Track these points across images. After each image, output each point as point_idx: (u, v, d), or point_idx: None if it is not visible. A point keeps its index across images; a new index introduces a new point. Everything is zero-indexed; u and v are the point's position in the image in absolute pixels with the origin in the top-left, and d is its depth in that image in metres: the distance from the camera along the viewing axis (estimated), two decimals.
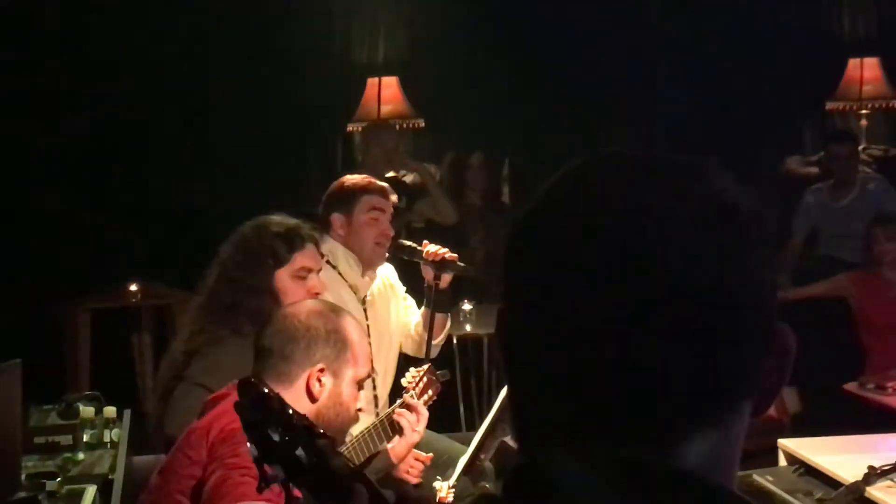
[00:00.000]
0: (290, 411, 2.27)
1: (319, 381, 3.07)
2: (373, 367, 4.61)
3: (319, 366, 3.07)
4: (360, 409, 3.24)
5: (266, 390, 2.33)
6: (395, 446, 3.89)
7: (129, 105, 7.54)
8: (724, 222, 0.98)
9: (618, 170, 1.03)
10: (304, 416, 2.31)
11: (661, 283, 0.94)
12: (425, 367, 4.44)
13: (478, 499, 0.98)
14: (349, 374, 3.11)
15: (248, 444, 2.29)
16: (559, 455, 0.94)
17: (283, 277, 3.89)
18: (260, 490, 2.32)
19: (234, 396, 3.00)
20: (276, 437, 2.24)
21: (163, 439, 3.80)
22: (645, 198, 0.98)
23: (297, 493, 2.25)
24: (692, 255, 0.95)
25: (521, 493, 0.93)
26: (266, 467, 2.24)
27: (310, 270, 3.93)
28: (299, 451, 2.22)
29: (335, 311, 3.22)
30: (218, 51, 7.64)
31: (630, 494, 0.90)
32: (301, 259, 3.93)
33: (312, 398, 3.06)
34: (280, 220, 3.98)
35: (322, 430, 2.28)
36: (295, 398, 3.02)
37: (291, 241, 3.92)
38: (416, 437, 3.93)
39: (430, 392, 4.37)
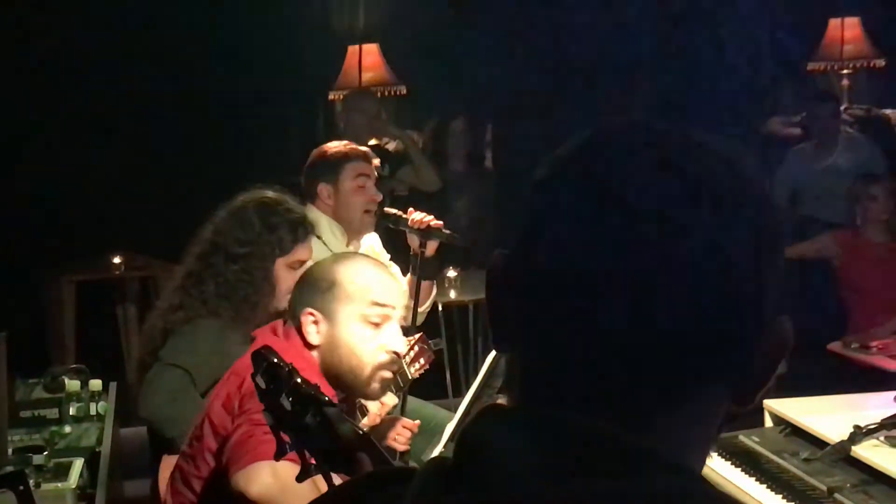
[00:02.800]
0: (299, 379, 2.29)
1: (315, 326, 3.05)
2: None
3: (307, 311, 3.05)
4: (393, 352, 3.11)
5: (275, 359, 2.34)
6: (366, 421, 3.89)
7: (109, 76, 7.50)
8: (749, 208, 0.98)
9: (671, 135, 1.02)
10: (314, 384, 2.33)
11: (676, 253, 0.94)
12: (417, 336, 4.45)
13: (428, 462, 0.98)
14: (344, 312, 3.05)
15: (264, 412, 2.31)
16: (510, 417, 0.95)
17: (279, 266, 3.90)
18: (277, 457, 2.35)
19: (269, 340, 3.02)
20: (287, 406, 2.26)
21: (139, 417, 3.81)
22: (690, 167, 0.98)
23: (311, 460, 2.27)
24: (717, 235, 0.95)
25: (459, 453, 0.94)
26: (282, 435, 2.27)
27: (303, 263, 3.94)
28: (308, 419, 2.24)
29: (335, 258, 3.23)
30: (197, 21, 7.60)
31: (553, 457, 0.90)
32: (300, 251, 3.94)
33: (308, 344, 3.05)
34: (284, 203, 3.97)
35: (328, 399, 2.29)
36: (297, 351, 3.01)
37: (296, 233, 3.93)
38: (383, 409, 3.94)
39: (421, 360, 4.38)
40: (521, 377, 1.00)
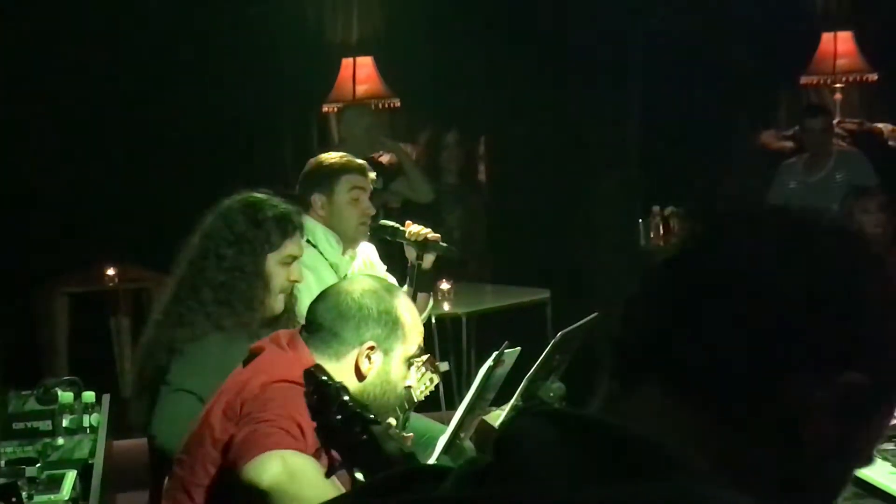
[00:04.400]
0: (347, 398, 2.32)
1: (369, 358, 3.11)
2: None
3: (369, 344, 3.10)
4: (408, 387, 3.28)
5: (325, 378, 2.37)
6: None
7: (102, 86, 7.50)
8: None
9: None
10: (363, 403, 2.36)
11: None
12: (424, 357, 4.45)
13: (465, 461, 1.01)
14: (399, 352, 3.14)
15: (315, 430, 2.36)
16: (548, 420, 0.97)
17: (271, 262, 3.89)
18: (327, 476, 2.39)
19: (269, 350, 3.04)
20: (336, 423, 2.29)
21: (151, 445, 3.78)
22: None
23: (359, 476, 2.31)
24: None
25: (496, 452, 0.96)
26: (332, 453, 2.32)
27: (294, 258, 3.94)
28: (356, 437, 2.27)
29: (389, 290, 3.25)
30: (192, 32, 7.60)
31: (586, 460, 0.92)
32: (290, 246, 3.93)
33: (360, 376, 3.10)
34: (270, 201, 3.96)
35: (374, 416, 2.32)
36: (342, 375, 3.03)
37: (284, 228, 3.91)
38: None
39: (427, 383, 4.38)
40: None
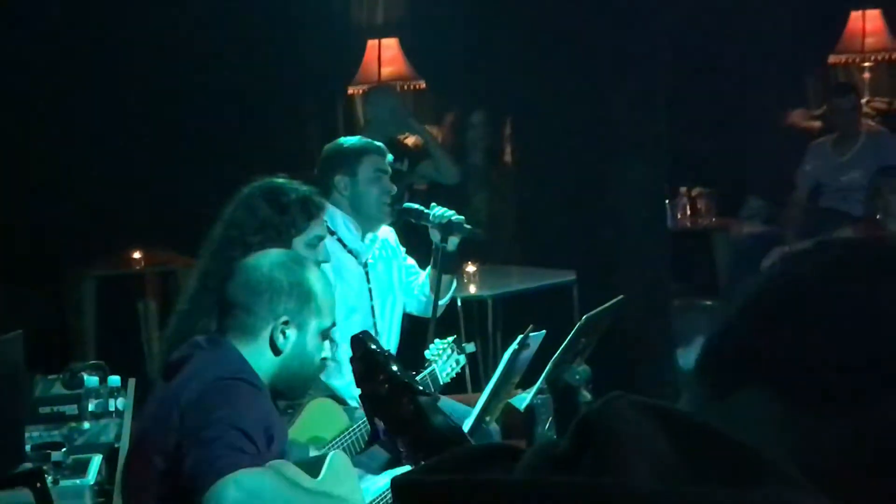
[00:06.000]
0: (395, 367, 2.30)
1: (283, 333, 3.09)
2: (376, 330, 4.63)
3: (283, 318, 3.09)
4: (324, 359, 3.24)
5: (373, 346, 2.36)
6: None
7: (129, 71, 7.51)
8: None
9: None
10: (410, 372, 2.35)
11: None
12: (451, 339, 4.44)
13: (539, 444, 0.99)
14: (313, 325, 3.13)
15: (360, 397, 2.35)
16: (641, 410, 0.96)
17: (298, 245, 3.88)
18: (370, 444, 2.39)
19: (198, 358, 3.03)
20: (382, 394, 2.28)
21: None
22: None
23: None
24: None
25: (578, 437, 0.95)
26: (376, 421, 2.31)
27: (321, 238, 3.94)
28: (402, 408, 2.26)
29: (298, 261, 3.24)
30: (217, 15, 7.60)
31: (677, 458, 0.91)
32: (315, 227, 3.93)
33: (277, 351, 3.10)
34: (290, 184, 3.97)
35: (422, 388, 2.31)
36: (259, 351, 3.07)
37: (309, 210, 3.92)
38: None
39: (453, 364, 4.37)
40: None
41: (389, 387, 2.30)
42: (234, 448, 2.75)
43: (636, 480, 0.89)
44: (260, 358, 3.08)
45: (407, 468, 2.31)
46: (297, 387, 3.22)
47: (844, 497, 0.97)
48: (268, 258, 3.22)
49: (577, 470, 0.91)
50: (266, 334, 3.09)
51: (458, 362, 4.42)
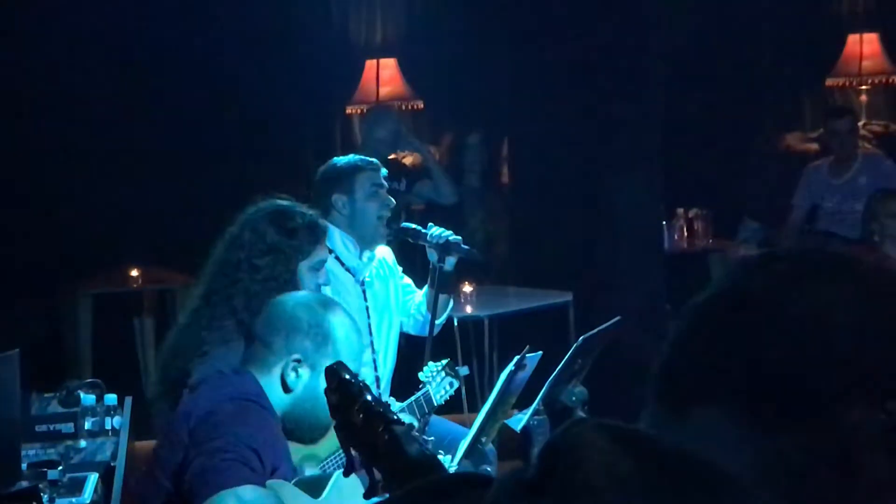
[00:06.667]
0: (369, 397, 2.31)
1: (295, 371, 3.09)
2: (373, 348, 4.63)
3: (295, 356, 3.09)
4: None
5: (347, 376, 2.36)
6: None
7: (128, 87, 7.52)
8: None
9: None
10: (385, 402, 2.35)
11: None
12: (445, 362, 4.45)
13: (510, 471, 1.00)
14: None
15: (335, 427, 2.33)
16: (604, 432, 0.97)
17: (302, 269, 3.92)
18: (346, 473, 2.39)
19: (215, 380, 3.05)
20: (358, 422, 2.29)
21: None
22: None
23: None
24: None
25: (544, 462, 0.95)
26: (352, 452, 2.33)
27: (323, 262, 3.98)
28: (377, 437, 2.26)
29: (325, 304, 3.23)
30: (215, 34, 7.61)
31: (642, 478, 0.91)
32: (319, 251, 3.97)
33: (286, 388, 3.09)
34: (296, 208, 4.00)
35: (397, 416, 2.31)
36: (272, 386, 3.07)
37: (315, 234, 3.96)
38: None
39: (446, 388, 4.38)
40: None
41: (364, 416, 2.30)
42: (241, 462, 2.77)
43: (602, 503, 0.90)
44: (272, 393, 3.07)
45: (385, 497, 2.32)
46: (306, 429, 3.16)
47: None
48: (295, 297, 3.25)
49: (544, 496, 0.92)
50: (278, 370, 3.09)
51: (451, 385, 4.42)
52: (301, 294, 3.33)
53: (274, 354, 3.10)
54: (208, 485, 2.75)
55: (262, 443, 2.83)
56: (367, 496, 2.34)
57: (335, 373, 2.40)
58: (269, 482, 2.82)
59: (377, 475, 2.30)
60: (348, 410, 2.33)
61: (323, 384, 3.06)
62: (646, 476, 0.91)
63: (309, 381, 3.09)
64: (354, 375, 2.42)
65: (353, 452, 2.36)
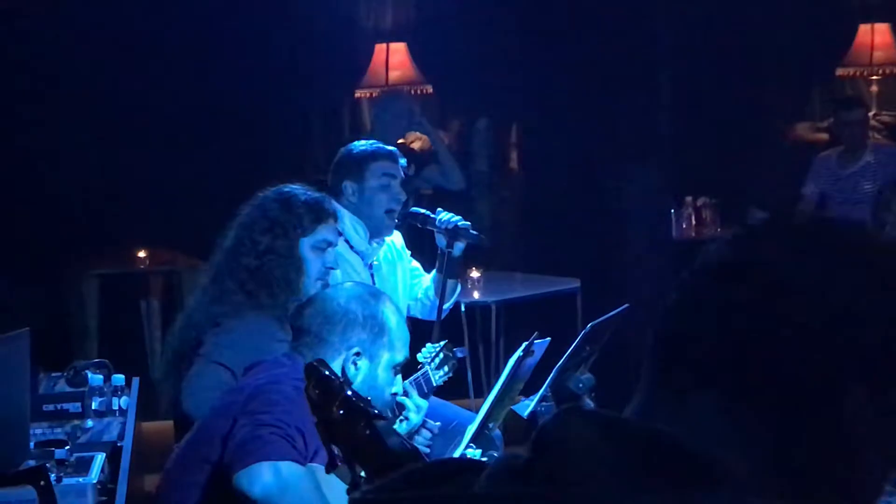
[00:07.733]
0: (349, 393, 2.31)
1: (355, 364, 3.14)
2: None
3: (355, 349, 3.14)
4: (394, 394, 3.30)
5: (327, 373, 2.37)
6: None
7: (134, 71, 7.51)
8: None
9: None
10: (365, 397, 2.35)
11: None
12: (443, 343, 4.46)
13: (502, 456, 1.02)
14: (385, 358, 3.18)
15: (316, 425, 2.35)
16: (591, 420, 0.97)
17: (304, 247, 3.94)
18: (328, 470, 2.40)
19: (273, 362, 3.10)
20: (338, 418, 2.29)
21: (178, 416, 3.81)
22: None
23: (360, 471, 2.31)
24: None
25: (535, 449, 0.96)
26: (334, 448, 2.34)
27: (329, 244, 3.99)
28: (359, 431, 2.27)
29: (375, 295, 3.28)
30: (223, 18, 7.60)
31: (626, 463, 0.92)
32: (323, 231, 3.98)
33: (347, 382, 3.10)
34: (304, 189, 4.04)
35: (379, 411, 2.32)
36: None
37: (317, 213, 3.99)
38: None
39: (446, 368, 4.38)
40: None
41: (345, 412, 2.30)
42: (286, 439, 2.81)
43: (587, 489, 0.90)
44: None
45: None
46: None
47: (804, 498, 0.98)
48: (345, 290, 3.30)
49: (532, 481, 0.93)
50: (338, 364, 3.12)
51: (449, 366, 4.43)
52: (349, 287, 3.38)
53: (332, 348, 3.15)
54: (251, 454, 2.79)
55: (311, 427, 2.85)
56: (349, 493, 2.34)
57: (315, 369, 2.40)
58: (308, 464, 2.84)
59: (359, 470, 2.30)
60: (329, 406, 2.33)
61: (381, 374, 3.17)
62: (631, 462, 0.92)
63: (368, 372, 3.16)
64: (333, 371, 2.43)
65: (334, 449, 2.37)
